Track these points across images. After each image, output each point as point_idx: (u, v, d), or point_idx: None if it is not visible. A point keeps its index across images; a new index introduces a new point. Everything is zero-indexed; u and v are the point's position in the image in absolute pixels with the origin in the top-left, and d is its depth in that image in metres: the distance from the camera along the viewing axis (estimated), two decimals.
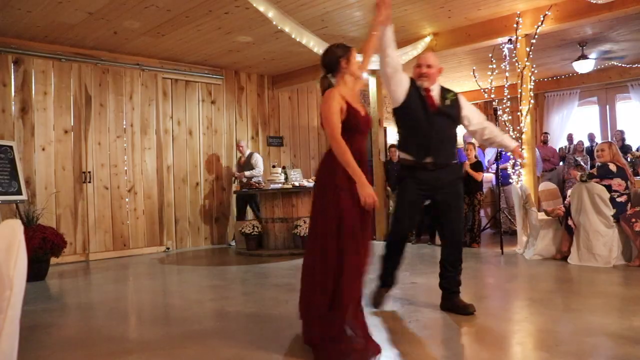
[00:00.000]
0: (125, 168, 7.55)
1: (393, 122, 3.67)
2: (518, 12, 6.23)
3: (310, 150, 10.14)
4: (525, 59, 6.33)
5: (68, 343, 3.20)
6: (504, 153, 7.33)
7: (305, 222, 6.88)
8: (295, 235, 6.86)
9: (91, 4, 5.58)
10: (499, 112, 6.74)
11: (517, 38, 6.34)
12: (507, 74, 6.79)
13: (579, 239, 5.26)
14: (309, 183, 7.43)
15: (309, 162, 10.08)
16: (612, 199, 5.18)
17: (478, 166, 6.86)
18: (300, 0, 5.67)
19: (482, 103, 10.89)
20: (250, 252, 7.03)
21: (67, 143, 7.02)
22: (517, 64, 6.43)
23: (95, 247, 7.14)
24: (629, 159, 7.32)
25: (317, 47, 5.98)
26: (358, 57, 2.97)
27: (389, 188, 7.83)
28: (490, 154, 8.70)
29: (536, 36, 6.20)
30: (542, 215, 5.88)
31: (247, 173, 8.06)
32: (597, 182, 5.26)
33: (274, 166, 7.85)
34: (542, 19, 6.03)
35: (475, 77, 7.98)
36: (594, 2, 5.45)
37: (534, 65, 6.93)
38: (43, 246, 5.46)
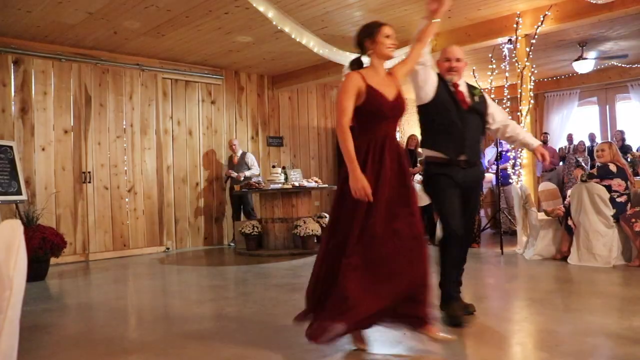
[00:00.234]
0: (125, 168, 7.54)
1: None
2: (518, 12, 6.22)
3: (310, 150, 10.13)
4: (525, 59, 6.33)
5: (68, 343, 3.20)
6: (503, 153, 7.32)
7: (305, 222, 6.88)
8: (295, 235, 6.86)
9: (91, 4, 5.58)
10: None
11: (517, 38, 6.34)
12: (507, 74, 6.79)
13: (578, 239, 5.26)
14: (309, 183, 7.43)
15: (309, 162, 10.08)
16: (612, 199, 5.18)
17: None
18: (300, 0, 5.67)
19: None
20: (250, 252, 7.03)
21: (67, 143, 7.01)
22: (517, 64, 6.43)
23: (95, 247, 7.13)
24: (629, 159, 7.31)
25: (317, 47, 5.99)
26: (402, 51, 2.88)
27: None
28: (490, 154, 8.70)
29: (536, 36, 6.20)
30: (542, 216, 5.88)
31: (247, 173, 8.05)
32: (597, 182, 5.26)
33: (274, 166, 7.84)
34: (542, 19, 6.03)
35: (475, 77, 7.98)
36: (594, 2, 5.45)
37: (534, 65, 6.93)
38: (43, 246, 5.46)
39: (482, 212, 7.47)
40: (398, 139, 2.76)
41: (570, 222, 5.41)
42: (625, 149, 8.50)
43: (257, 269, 5.84)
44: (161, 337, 3.25)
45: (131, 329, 3.65)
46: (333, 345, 2.87)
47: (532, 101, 6.53)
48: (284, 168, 7.83)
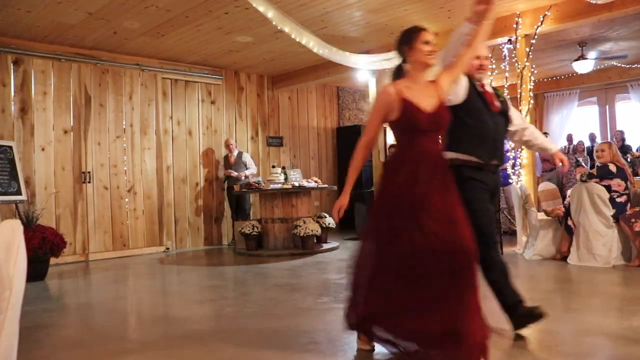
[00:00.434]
0: (125, 168, 7.54)
1: None
2: (518, 13, 6.23)
3: (310, 150, 10.14)
4: (525, 59, 6.33)
5: (68, 343, 3.20)
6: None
7: (304, 222, 6.88)
8: (295, 235, 6.86)
9: (91, 4, 5.58)
10: None
11: (516, 38, 6.34)
12: (506, 74, 6.79)
13: (578, 239, 5.26)
14: (309, 183, 7.43)
15: (309, 163, 10.08)
16: (611, 199, 5.19)
17: None
18: (300, 0, 5.67)
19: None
20: (249, 252, 7.03)
21: (67, 143, 7.01)
22: (516, 64, 6.43)
23: (94, 247, 7.13)
24: (628, 159, 7.32)
25: (317, 47, 5.99)
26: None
27: None
28: None
29: (536, 36, 6.20)
30: (541, 216, 5.89)
31: (247, 172, 8.07)
32: (596, 183, 5.27)
33: (273, 166, 7.84)
34: (541, 19, 6.03)
35: None
36: (594, 2, 5.46)
37: (534, 66, 6.93)
38: (43, 246, 5.46)
39: None
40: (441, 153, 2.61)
41: (570, 222, 5.41)
42: (625, 149, 8.51)
43: (257, 269, 5.84)
44: (161, 337, 3.25)
45: (131, 329, 3.65)
46: (333, 346, 2.87)
47: (531, 101, 6.53)
48: (283, 168, 7.83)
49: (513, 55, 6.54)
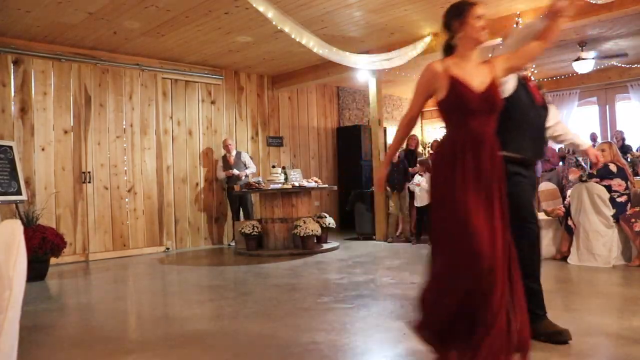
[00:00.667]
0: (125, 168, 7.54)
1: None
2: (518, 12, 6.22)
3: (310, 150, 10.14)
4: None
5: (68, 343, 3.20)
6: None
7: (305, 222, 6.87)
8: (295, 235, 6.85)
9: (91, 4, 5.58)
10: None
11: None
12: None
13: (578, 239, 5.26)
14: (309, 183, 7.43)
15: (309, 162, 10.08)
16: (612, 199, 5.18)
17: None
18: (300, 0, 5.67)
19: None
20: (250, 252, 7.03)
21: (67, 143, 7.01)
22: None
23: (95, 247, 7.13)
24: (629, 159, 7.32)
25: (317, 47, 5.99)
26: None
27: (388, 188, 7.83)
28: None
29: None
30: (542, 216, 5.88)
31: (247, 172, 8.08)
32: (597, 182, 5.26)
33: (273, 166, 7.84)
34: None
35: None
36: (594, 2, 5.45)
37: (534, 66, 6.93)
38: (43, 246, 5.46)
39: None
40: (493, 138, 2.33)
41: (570, 222, 5.41)
42: (625, 149, 8.51)
43: (257, 269, 5.84)
44: (161, 337, 3.25)
45: (131, 329, 3.66)
46: (333, 346, 2.87)
47: None
48: (284, 168, 7.83)
49: None
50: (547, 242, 5.69)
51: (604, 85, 10.42)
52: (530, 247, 2.84)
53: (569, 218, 5.43)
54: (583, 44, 7.91)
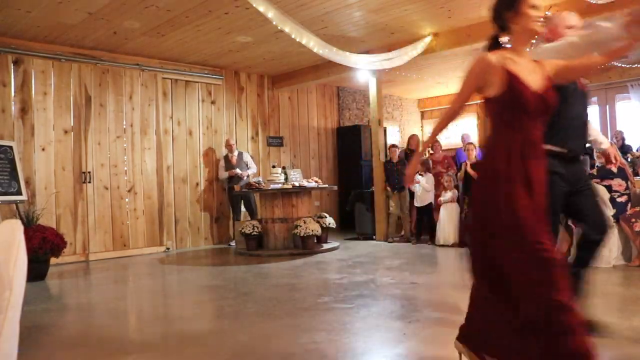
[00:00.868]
0: (125, 168, 7.54)
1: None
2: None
3: (310, 150, 10.14)
4: None
5: (68, 343, 3.20)
6: None
7: (305, 222, 6.87)
8: (295, 235, 6.85)
9: (91, 4, 5.58)
10: None
11: None
12: None
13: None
14: (309, 183, 7.43)
15: (309, 162, 10.08)
16: (612, 199, 5.18)
17: None
18: (300, 0, 5.67)
19: (482, 103, 10.90)
20: (250, 252, 7.03)
21: (67, 143, 7.01)
22: None
23: (95, 247, 7.13)
24: (629, 159, 7.31)
25: (317, 47, 5.99)
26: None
27: (389, 188, 7.83)
28: None
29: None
30: None
31: (249, 172, 8.09)
32: (597, 183, 5.26)
33: (274, 166, 7.85)
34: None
35: None
36: (594, 2, 5.45)
37: None
38: (43, 246, 5.46)
39: None
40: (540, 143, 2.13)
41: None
42: (625, 149, 8.50)
43: (257, 269, 5.84)
44: (161, 337, 3.25)
45: (131, 329, 3.66)
46: (333, 346, 2.87)
47: None
48: (284, 168, 7.83)
49: None
50: None
51: (604, 85, 10.42)
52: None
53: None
54: None
